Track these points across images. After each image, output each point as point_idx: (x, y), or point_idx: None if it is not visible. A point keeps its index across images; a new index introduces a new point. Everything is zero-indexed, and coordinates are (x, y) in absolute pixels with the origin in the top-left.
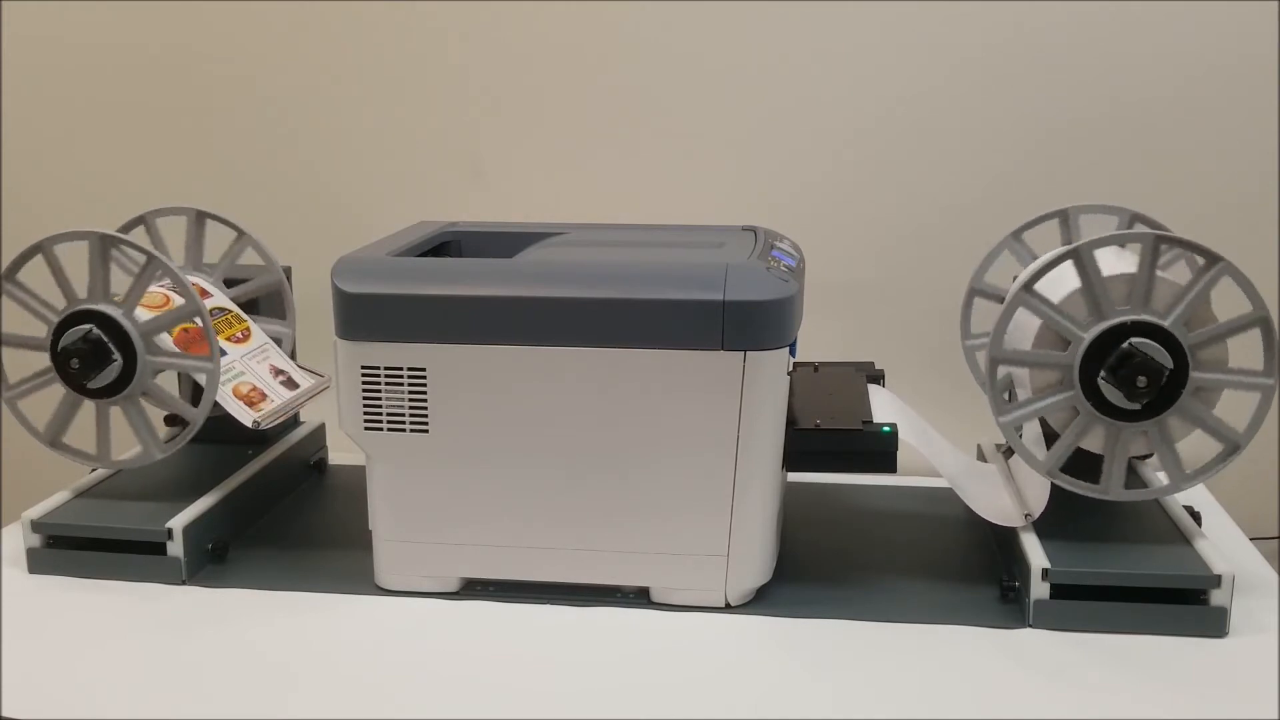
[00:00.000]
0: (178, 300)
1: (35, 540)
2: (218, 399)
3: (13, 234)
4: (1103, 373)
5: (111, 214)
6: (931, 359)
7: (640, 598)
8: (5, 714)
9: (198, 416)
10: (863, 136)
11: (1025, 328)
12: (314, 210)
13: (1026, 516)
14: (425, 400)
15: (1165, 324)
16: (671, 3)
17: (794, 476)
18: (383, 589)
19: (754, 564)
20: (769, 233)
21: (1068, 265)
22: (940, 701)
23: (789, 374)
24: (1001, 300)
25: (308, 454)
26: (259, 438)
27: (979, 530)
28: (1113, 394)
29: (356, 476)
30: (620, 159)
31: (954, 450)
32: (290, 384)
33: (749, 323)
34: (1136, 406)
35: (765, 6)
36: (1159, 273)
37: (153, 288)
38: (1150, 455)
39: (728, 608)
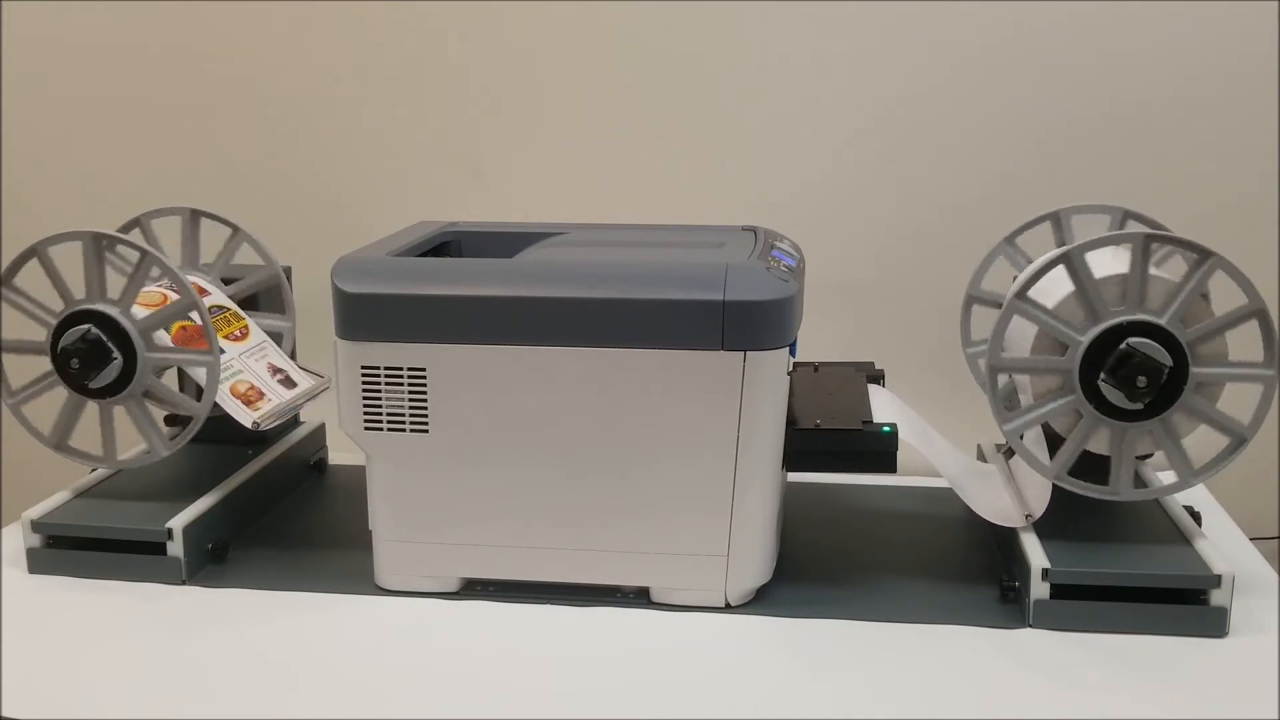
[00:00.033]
0: (175, 299)
1: (35, 540)
2: (216, 399)
3: (12, 234)
4: (1103, 375)
5: (111, 214)
6: (931, 359)
7: (640, 598)
8: (5, 714)
9: (200, 411)
10: (862, 137)
11: (1024, 333)
12: (314, 210)
13: (1027, 517)
14: (425, 400)
15: (1162, 322)
16: (671, 3)
17: (794, 476)
18: (383, 589)
19: (754, 564)
20: (769, 233)
21: (1062, 268)
22: (940, 701)
23: (789, 374)
24: (999, 306)
25: (308, 454)
26: (259, 438)
27: (979, 530)
28: (1114, 395)
29: (356, 476)
30: (620, 159)
31: (954, 450)
32: (288, 382)
33: (749, 323)
34: (1139, 406)
35: (765, 6)
36: (1154, 271)
37: (150, 288)
38: (1150, 455)
39: (728, 608)
